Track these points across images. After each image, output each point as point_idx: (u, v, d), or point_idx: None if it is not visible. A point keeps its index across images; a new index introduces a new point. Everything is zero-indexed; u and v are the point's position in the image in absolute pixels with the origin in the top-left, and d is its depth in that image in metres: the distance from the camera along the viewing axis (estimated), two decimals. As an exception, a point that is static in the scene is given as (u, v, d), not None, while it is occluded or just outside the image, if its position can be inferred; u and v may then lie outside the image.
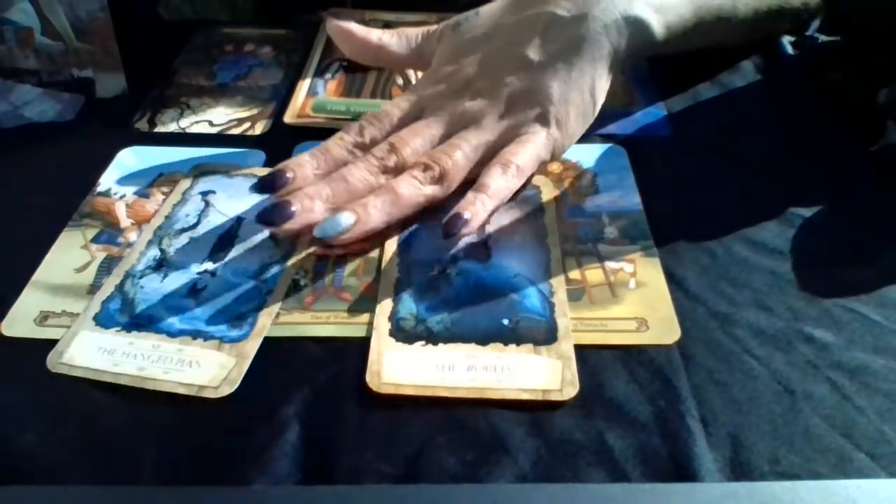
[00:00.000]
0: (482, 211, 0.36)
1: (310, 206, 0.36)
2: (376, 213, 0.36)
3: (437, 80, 0.42)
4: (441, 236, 0.36)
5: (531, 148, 0.39)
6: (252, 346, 0.32)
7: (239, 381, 0.31)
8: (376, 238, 0.37)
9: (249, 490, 0.27)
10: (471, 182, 0.39)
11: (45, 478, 0.28)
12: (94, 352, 0.32)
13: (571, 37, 0.41)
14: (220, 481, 0.28)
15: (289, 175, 0.38)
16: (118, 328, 0.33)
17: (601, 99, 0.42)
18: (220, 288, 0.35)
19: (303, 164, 0.38)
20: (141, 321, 0.33)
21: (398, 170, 0.38)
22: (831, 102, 0.47)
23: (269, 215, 0.36)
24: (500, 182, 0.37)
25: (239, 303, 0.34)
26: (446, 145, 0.39)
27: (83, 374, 0.31)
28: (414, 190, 0.37)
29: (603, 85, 0.42)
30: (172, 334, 0.33)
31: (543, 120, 0.40)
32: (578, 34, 0.41)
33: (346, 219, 0.35)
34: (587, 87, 0.41)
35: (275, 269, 0.36)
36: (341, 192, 0.37)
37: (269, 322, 0.33)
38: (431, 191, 0.38)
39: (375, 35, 0.45)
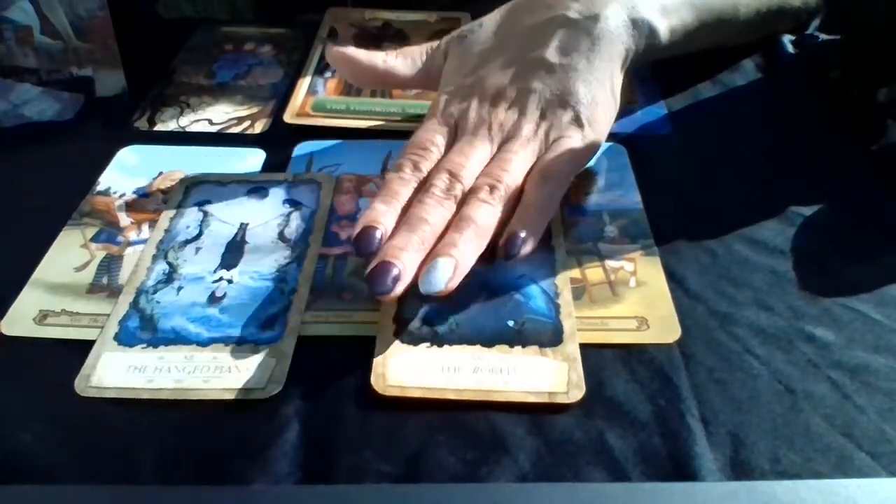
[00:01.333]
0: (538, 229, 0.36)
1: (410, 262, 0.34)
2: (467, 249, 0.34)
3: (461, 96, 0.41)
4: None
5: (571, 153, 0.39)
6: (289, 345, 0.32)
7: (284, 380, 0.31)
8: None
9: (249, 490, 0.27)
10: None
11: (43, 477, 0.28)
12: (123, 371, 0.31)
13: (587, 37, 0.41)
14: (220, 481, 0.28)
15: (378, 234, 0.35)
16: (143, 345, 0.32)
17: (619, 98, 0.42)
18: (241, 293, 0.35)
19: (384, 214, 0.36)
20: (166, 335, 0.33)
21: (462, 195, 0.37)
22: (831, 102, 0.47)
23: (379, 287, 0.33)
24: (548, 194, 0.37)
25: (264, 306, 0.34)
26: (500, 161, 0.38)
27: (117, 395, 0.31)
28: (490, 215, 0.36)
29: (619, 83, 0.42)
30: (203, 343, 0.33)
31: (578, 122, 0.40)
32: (594, 34, 0.41)
33: (447, 266, 0.33)
34: (608, 85, 0.41)
35: (292, 270, 0.36)
36: (427, 237, 0.35)
37: (300, 320, 0.33)
38: (501, 209, 0.36)
39: (380, 59, 0.43)
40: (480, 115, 0.40)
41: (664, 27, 0.43)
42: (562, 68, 0.40)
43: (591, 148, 0.40)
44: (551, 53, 0.41)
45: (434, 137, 0.40)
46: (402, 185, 0.37)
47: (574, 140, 0.39)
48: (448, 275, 0.33)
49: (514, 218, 0.36)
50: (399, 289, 0.33)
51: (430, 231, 0.35)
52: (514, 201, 0.37)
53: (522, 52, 0.41)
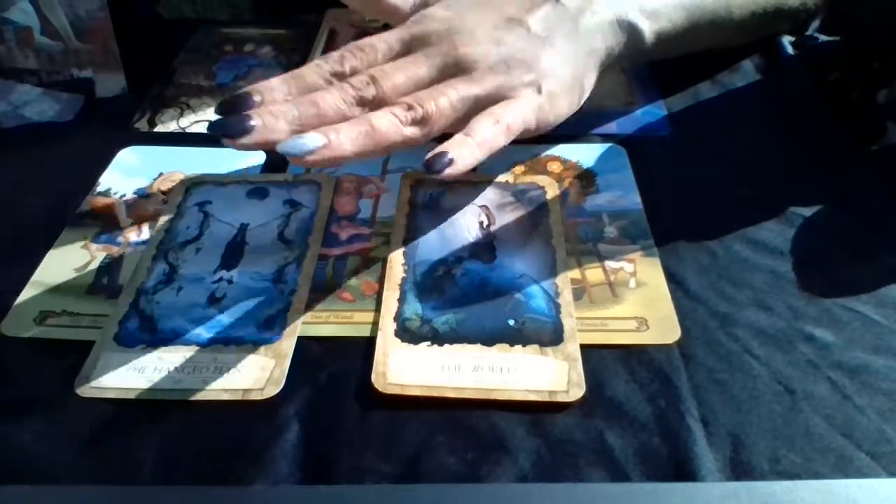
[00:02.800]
0: (468, 156, 0.35)
1: (272, 123, 0.33)
2: (348, 141, 0.33)
3: (432, 21, 0.40)
4: (444, 237, 0.36)
5: (520, 109, 0.38)
6: (288, 346, 0.32)
7: (283, 381, 0.31)
8: (378, 235, 0.38)
9: (249, 490, 0.27)
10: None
11: (43, 477, 0.28)
12: (123, 372, 0.31)
13: (572, 24, 0.41)
14: (220, 481, 0.28)
15: (256, 98, 0.34)
16: (143, 346, 0.32)
17: (587, 92, 0.42)
18: (241, 294, 0.35)
19: (273, 88, 0.35)
20: (166, 335, 0.33)
21: (375, 104, 0.36)
22: (831, 102, 0.47)
23: (224, 127, 0.33)
24: (489, 132, 0.36)
25: (263, 306, 0.34)
26: (433, 89, 0.37)
27: (116, 396, 0.31)
28: (392, 127, 0.34)
29: (591, 79, 0.42)
30: (202, 344, 0.32)
31: (535, 87, 0.39)
32: (578, 24, 0.41)
33: (314, 140, 0.32)
34: (580, 72, 0.41)
35: (292, 270, 0.36)
36: (310, 117, 0.34)
37: (300, 321, 0.33)
38: (410, 132, 0.35)
39: None
40: (441, 42, 0.38)
41: (650, 30, 0.42)
42: (539, 38, 0.40)
43: (541, 117, 0.39)
44: (535, 21, 0.40)
45: (378, 42, 0.38)
46: (312, 71, 0.37)
47: (528, 101, 0.38)
48: (309, 147, 0.32)
49: (449, 140, 0.35)
50: (244, 139, 0.32)
51: (315, 115, 0.34)
52: (433, 132, 0.36)
53: (510, 11, 0.40)
